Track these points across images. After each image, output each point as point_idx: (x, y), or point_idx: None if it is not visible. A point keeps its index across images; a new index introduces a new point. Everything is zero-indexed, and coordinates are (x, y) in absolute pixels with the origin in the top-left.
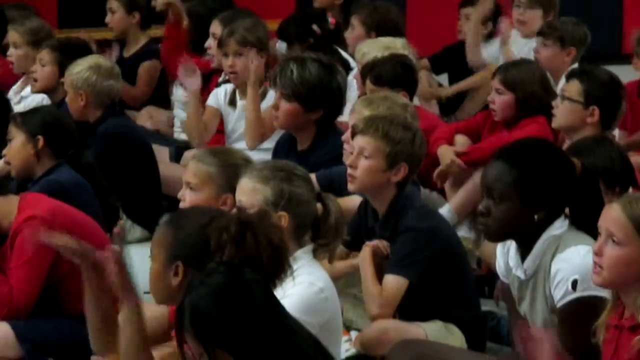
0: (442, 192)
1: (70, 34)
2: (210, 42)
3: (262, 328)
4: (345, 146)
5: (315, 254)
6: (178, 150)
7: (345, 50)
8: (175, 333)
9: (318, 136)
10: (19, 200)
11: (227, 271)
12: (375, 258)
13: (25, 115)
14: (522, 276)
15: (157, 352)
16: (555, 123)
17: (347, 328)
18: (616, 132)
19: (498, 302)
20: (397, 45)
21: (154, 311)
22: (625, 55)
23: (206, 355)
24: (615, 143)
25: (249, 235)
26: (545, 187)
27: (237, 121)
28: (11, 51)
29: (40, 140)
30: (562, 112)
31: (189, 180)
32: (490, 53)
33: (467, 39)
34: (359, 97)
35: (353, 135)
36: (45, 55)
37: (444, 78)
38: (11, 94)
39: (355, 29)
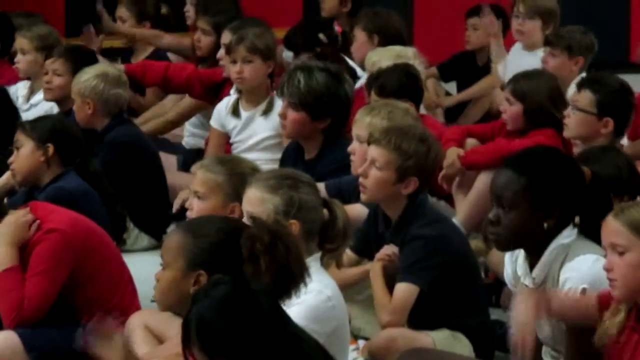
0: (449, 200)
1: (78, 41)
2: (222, 53)
3: (269, 338)
4: (352, 157)
5: (322, 260)
6: (186, 158)
7: (352, 58)
8: (181, 346)
9: (325, 145)
10: (28, 210)
11: (231, 282)
12: (386, 271)
13: (34, 122)
14: (531, 285)
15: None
16: (568, 133)
17: (355, 336)
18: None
19: (506, 308)
20: (408, 54)
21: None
22: (632, 63)
23: None
24: (623, 151)
25: (280, 244)
26: (554, 194)
27: (241, 131)
28: (19, 57)
29: (50, 147)
30: (575, 123)
31: (196, 189)
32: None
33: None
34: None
35: (369, 143)
36: (59, 65)
37: (452, 86)
38: (20, 101)
39: (357, 37)
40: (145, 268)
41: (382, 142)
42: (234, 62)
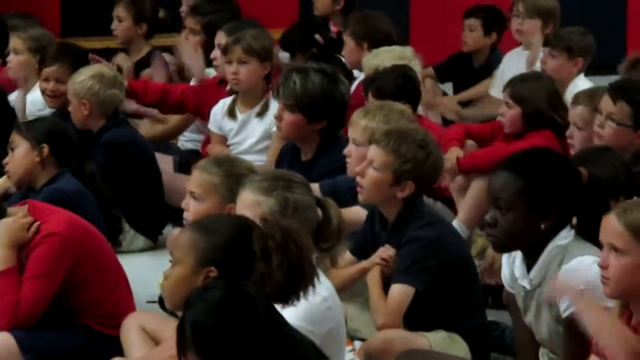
0: (446, 202)
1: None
2: (217, 53)
3: (265, 341)
4: (348, 160)
5: (318, 260)
6: (183, 160)
7: None
8: (177, 349)
9: (322, 146)
10: (26, 209)
11: (225, 286)
12: (383, 274)
13: (30, 123)
14: (528, 286)
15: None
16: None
17: (351, 338)
18: None
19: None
20: (407, 54)
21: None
22: None
23: None
24: (618, 153)
25: (291, 242)
26: (551, 196)
27: (238, 133)
28: (11, 57)
29: (46, 148)
30: (611, 135)
31: (192, 190)
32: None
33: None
34: None
35: (370, 142)
36: (61, 74)
37: (448, 87)
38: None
39: (347, 43)
40: (140, 269)
41: (381, 143)
42: (230, 62)
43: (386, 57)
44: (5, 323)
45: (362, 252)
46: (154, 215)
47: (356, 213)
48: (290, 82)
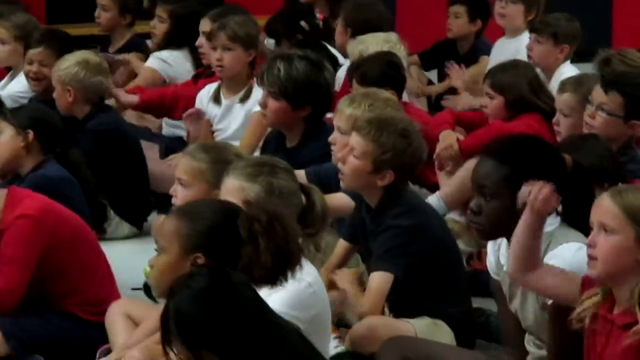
0: (431, 189)
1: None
2: (202, 40)
3: (250, 327)
4: (332, 147)
5: (303, 246)
6: (168, 147)
7: (334, 45)
8: (161, 338)
9: (307, 133)
10: (6, 193)
11: (209, 273)
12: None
13: (15, 110)
14: None
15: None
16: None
17: (337, 325)
18: None
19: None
20: (392, 38)
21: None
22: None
23: (193, 358)
24: (603, 140)
25: (277, 224)
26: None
27: (222, 119)
28: None
29: (30, 134)
30: (601, 125)
31: (180, 176)
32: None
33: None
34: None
35: (352, 129)
36: (45, 56)
37: (433, 74)
38: None
39: (338, 26)
40: (125, 256)
41: (362, 132)
42: (214, 49)
43: (371, 42)
44: None
45: (354, 237)
46: (139, 203)
47: (341, 199)
48: (274, 69)
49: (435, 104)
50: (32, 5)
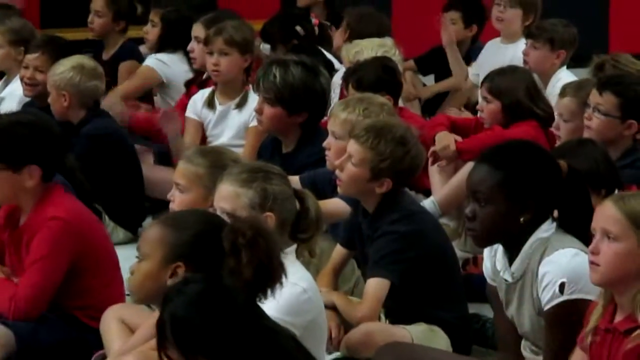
0: (426, 194)
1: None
2: (194, 45)
3: (245, 333)
4: (327, 153)
5: (297, 251)
6: (162, 152)
7: (329, 50)
8: (157, 344)
9: (303, 139)
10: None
11: (204, 279)
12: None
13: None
14: (510, 279)
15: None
16: (590, 136)
17: None
18: None
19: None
20: (387, 43)
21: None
22: None
23: None
24: (599, 145)
25: (261, 239)
26: (530, 188)
27: (216, 125)
28: None
29: None
30: (598, 126)
31: (177, 181)
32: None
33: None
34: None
35: (350, 137)
36: (42, 62)
37: (430, 79)
38: None
39: (339, 30)
40: (120, 261)
41: (360, 139)
42: (211, 53)
43: (366, 46)
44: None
45: (351, 242)
46: (134, 208)
47: (336, 204)
48: (270, 75)
49: (428, 108)
50: (27, 10)
